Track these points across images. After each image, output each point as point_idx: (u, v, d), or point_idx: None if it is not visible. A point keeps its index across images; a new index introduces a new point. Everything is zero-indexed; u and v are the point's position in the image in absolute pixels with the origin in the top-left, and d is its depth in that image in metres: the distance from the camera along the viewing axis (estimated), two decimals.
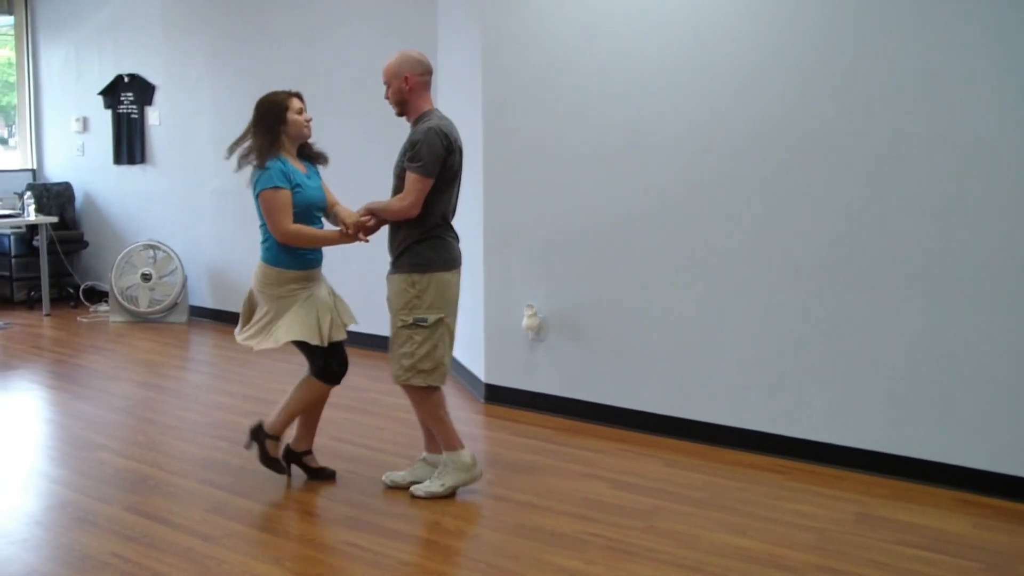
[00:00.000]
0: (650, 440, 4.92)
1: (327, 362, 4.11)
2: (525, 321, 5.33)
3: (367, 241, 4.10)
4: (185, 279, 8.09)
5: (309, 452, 4.35)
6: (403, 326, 3.97)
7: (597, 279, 5.16)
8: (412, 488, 4.14)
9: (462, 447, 4.13)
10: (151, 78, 8.39)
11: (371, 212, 4.04)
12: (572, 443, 4.88)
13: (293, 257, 4.02)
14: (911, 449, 4.35)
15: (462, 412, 5.46)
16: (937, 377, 4.27)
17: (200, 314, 8.30)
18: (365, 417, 5.20)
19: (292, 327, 3.99)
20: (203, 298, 8.31)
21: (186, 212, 8.27)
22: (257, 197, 3.97)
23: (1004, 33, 4.01)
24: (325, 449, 4.62)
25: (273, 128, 4.00)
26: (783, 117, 4.54)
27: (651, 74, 4.88)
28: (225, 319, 8.10)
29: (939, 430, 4.28)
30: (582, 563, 3.48)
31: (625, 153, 5.00)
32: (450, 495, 4.10)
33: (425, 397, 4.05)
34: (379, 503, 4.06)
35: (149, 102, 8.42)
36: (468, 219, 5.75)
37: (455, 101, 6.07)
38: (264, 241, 4.06)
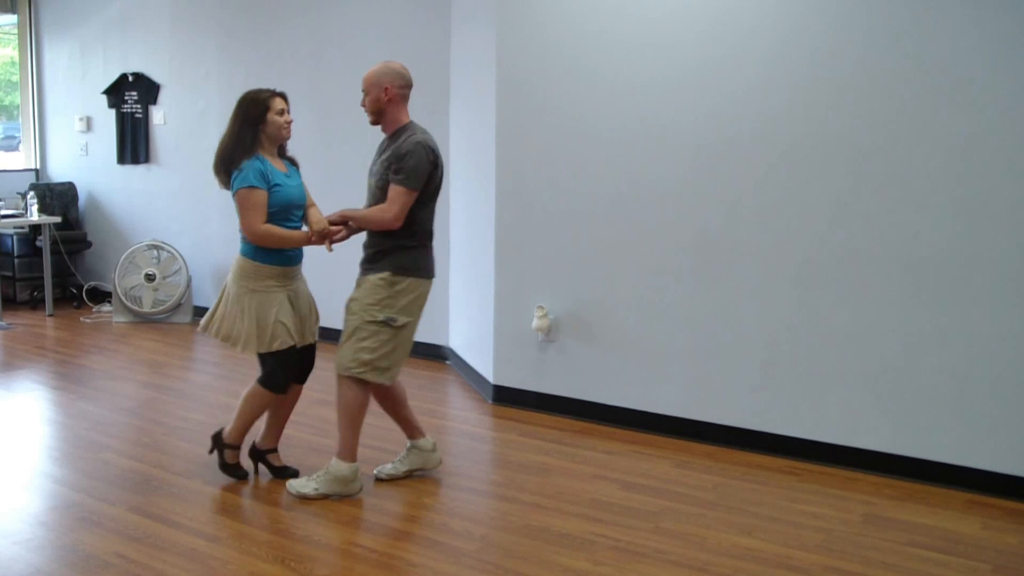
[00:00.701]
0: (660, 441, 4.89)
1: (274, 370, 4.09)
2: (535, 322, 5.31)
3: (331, 251, 4.09)
4: (189, 279, 8.07)
5: (274, 451, 4.33)
6: (372, 321, 3.95)
7: (608, 281, 5.14)
8: (288, 483, 4.13)
9: (353, 461, 4.10)
10: (156, 77, 8.37)
11: (347, 219, 4.03)
12: (582, 444, 4.85)
13: (272, 253, 4.02)
14: (922, 451, 4.33)
15: (471, 413, 5.44)
16: (948, 379, 4.25)
17: (205, 314, 8.27)
18: (369, 417, 5.17)
19: (250, 340, 4.01)
20: (208, 298, 8.27)
21: (191, 212, 8.24)
22: (233, 195, 3.97)
23: (1013, 35, 3.99)
24: (330, 450, 4.59)
25: (252, 126, 3.98)
26: (803, 114, 4.51)
27: (667, 76, 4.86)
28: None
29: (949, 432, 4.26)
30: (590, 564, 3.46)
31: (638, 156, 4.97)
32: (319, 499, 4.06)
33: (358, 395, 4.03)
34: (385, 504, 4.04)
35: (154, 101, 8.40)
36: (479, 220, 5.75)
37: (467, 105, 6.07)
38: (243, 237, 4.07)
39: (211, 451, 4.32)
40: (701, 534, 3.74)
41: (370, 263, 4.02)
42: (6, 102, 9.97)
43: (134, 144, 8.56)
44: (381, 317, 3.95)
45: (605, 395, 5.19)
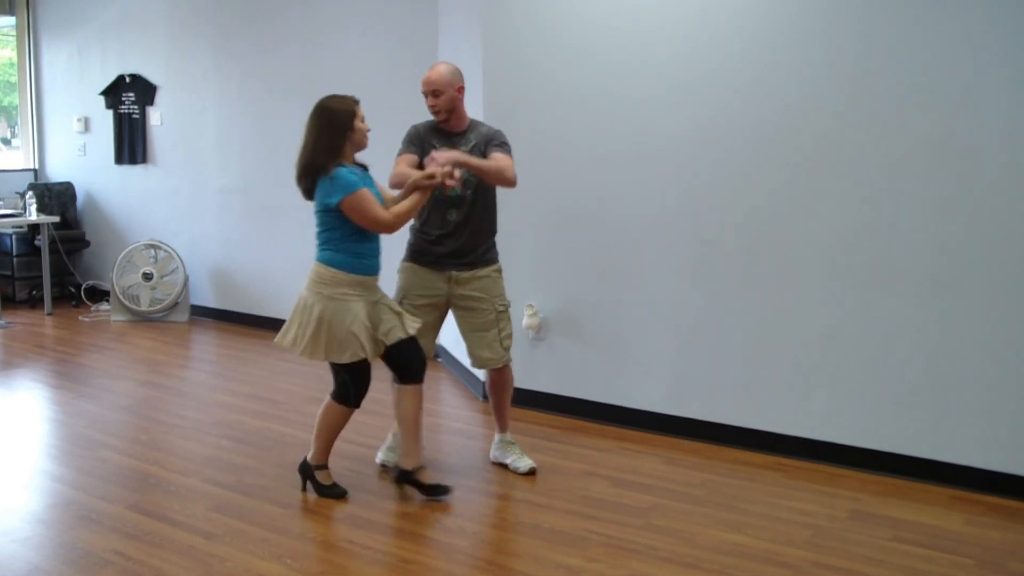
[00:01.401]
0: (650, 438, 4.95)
1: (344, 383, 4.01)
2: (525, 320, 5.36)
3: (454, 186, 3.99)
4: (186, 278, 8.12)
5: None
6: (503, 310, 4.37)
7: (598, 279, 5.19)
8: (517, 466, 4.44)
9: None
10: (153, 78, 8.41)
11: (461, 163, 4.00)
12: (572, 441, 4.91)
13: (351, 261, 3.89)
14: (907, 447, 4.37)
15: (463, 411, 5.49)
16: (931, 376, 4.30)
17: (202, 313, 8.33)
18: (367, 417, 5.22)
19: (318, 348, 3.89)
20: (205, 297, 8.33)
21: (189, 212, 8.29)
22: (338, 206, 3.81)
23: (1013, 34, 4.02)
24: (337, 450, 4.63)
25: (340, 135, 3.86)
26: (786, 117, 4.56)
27: (653, 74, 4.91)
28: (228, 319, 8.13)
29: (933, 428, 4.31)
30: (582, 560, 3.51)
31: (627, 152, 5.02)
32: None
33: (512, 374, 4.52)
34: (381, 502, 4.08)
35: (150, 102, 8.45)
36: None
37: None
38: (321, 245, 3.94)
39: (304, 486, 4.18)
40: (691, 530, 3.79)
41: (479, 255, 4.32)
42: (5, 103, 10.01)
43: (131, 144, 8.61)
44: (506, 302, 4.39)
45: (595, 392, 5.24)
